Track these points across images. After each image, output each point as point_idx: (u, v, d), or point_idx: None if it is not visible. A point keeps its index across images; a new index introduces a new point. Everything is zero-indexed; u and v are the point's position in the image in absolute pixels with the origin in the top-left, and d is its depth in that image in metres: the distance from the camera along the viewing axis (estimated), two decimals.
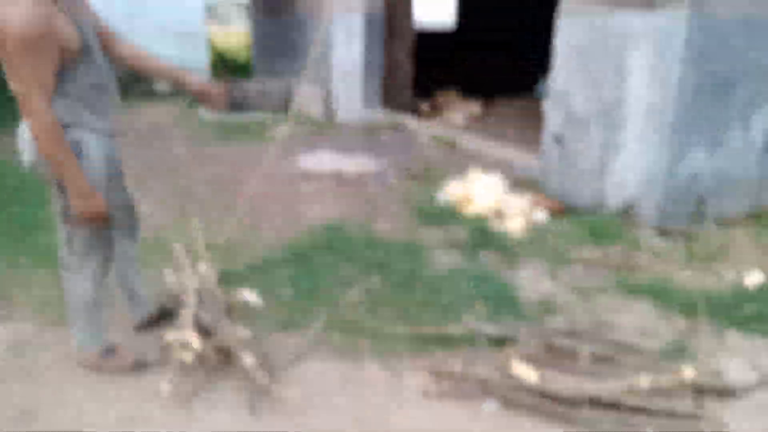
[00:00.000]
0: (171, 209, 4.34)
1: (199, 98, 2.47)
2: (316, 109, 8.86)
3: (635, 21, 3.82)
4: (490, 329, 2.63)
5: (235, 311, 2.74)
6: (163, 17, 10.34)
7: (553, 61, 4.53)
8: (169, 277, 2.98)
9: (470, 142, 5.89)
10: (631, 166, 3.96)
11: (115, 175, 2.32)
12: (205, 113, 8.47)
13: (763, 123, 4.02)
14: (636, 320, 2.87)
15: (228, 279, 3.15)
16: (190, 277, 2.88)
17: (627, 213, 3.99)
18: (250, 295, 2.89)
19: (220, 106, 2.48)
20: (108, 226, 2.24)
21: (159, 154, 6.13)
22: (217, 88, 2.47)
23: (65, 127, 2.01)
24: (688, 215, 3.93)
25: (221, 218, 3.96)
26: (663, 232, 3.81)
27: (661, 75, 3.68)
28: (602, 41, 4.06)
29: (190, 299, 2.64)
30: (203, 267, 3.04)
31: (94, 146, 2.13)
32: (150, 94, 9.66)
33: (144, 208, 4.32)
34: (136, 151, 6.30)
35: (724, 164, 3.96)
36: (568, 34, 4.37)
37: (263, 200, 4.59)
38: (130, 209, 2.57)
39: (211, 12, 16.37)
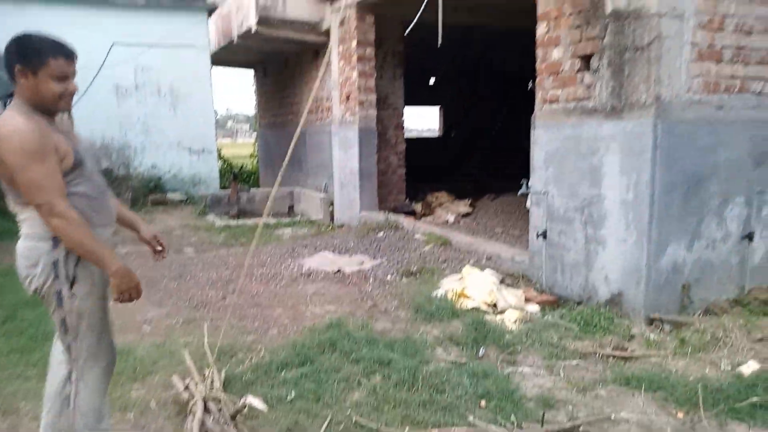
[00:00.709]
0: (179, 313, 4.24)
1: (148, 246, 2.44)
2: (317, 213, 8.97)
3: (605, 128, 3.95)
4: (495, 430, 2.47)
5: (240, 417, 2.58)
6: (177, 134, 10.71)
7: (532, 165, 4.65)
8: (177, 383, 2.85)
9: (462, 239, 5.90)
10: (614, 259, 3.93)
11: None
12: (215, 219, 8.53)
13: (737, 214, 4.05)
14: (637, 413, 2.71)
15: (234, 383, 3.00)
16: (197, 385, 2.75)
17: (615, 303, 3.91)
18: (255, 401, 2.74)
19: (160, 258, 2.46)
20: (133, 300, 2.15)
21: (170, 259, 6.10)
22: (159, 243, 2.43)
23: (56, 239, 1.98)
24: (675, 304, 3.86)
25: (228, 321, 3.85)
26: (652, 322, 3.72)
27: (633, 175, 3.75)
28: (575, 147, 4.19)
29: (197, 407, 2.50)
30: (209, 373, 2.91)
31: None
32: (164, 203, 9.79)
33: (153, 312, 4.23)
34: (149, 256, 6.29)
35: (704, 254, 3.95)
36: (544, 141, 4.52)
37: (268, 300, 4.50)
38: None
39: (220, 125, 17.03)
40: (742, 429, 2.55)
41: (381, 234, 6.52)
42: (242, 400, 2.65)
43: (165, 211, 9.35)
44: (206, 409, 2.54)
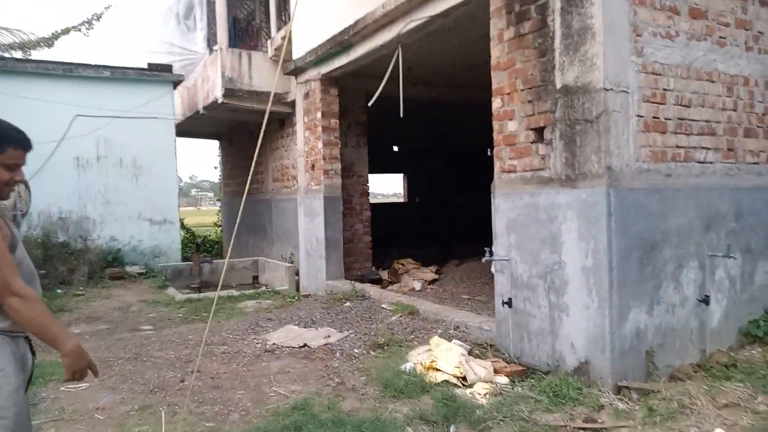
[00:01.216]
0: (135, 398, 4.00)
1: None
2: (282, 283, 8.82)
3: (561, 196, 4.08)
4: None
5: None
6: (139, 205, 10.56)
7: (494, 232, 4.72)
8: None
9: (429, 307, 5.87)
10: (578, 326, 3.95)
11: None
12: (175, 292, 8.28)
13: (692, 278, 4.17)
14: None
15: None
16: None
17: (583, 372, 3.89)
18: None
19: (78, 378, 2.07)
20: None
21: (126, 338, 5.83)
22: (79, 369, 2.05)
23: None
24: (641, 370, 3.87)
25: (186, 407, 3.65)
26: (620, 390, 3.70)
27: (591, 242, 3.85)
28: (534, 215, 4.30)
29: None
30: None
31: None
32: (122, 277, 9.47)
33: (106, 398, 3.99)
34: (104, 335, 6.00)
35: (665, 319, 4.01)
36: (503, 209, 4.62)
37: (230, 382, 4.31)
38: None
39: (184, 193, 16.87)
40: None
41: (348, 304, 6.43)
42: None
43: (123, 285, 9.04)
44: None
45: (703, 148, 4.30)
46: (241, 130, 12.49)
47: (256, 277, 10.21)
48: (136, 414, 3.73)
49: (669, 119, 4.11)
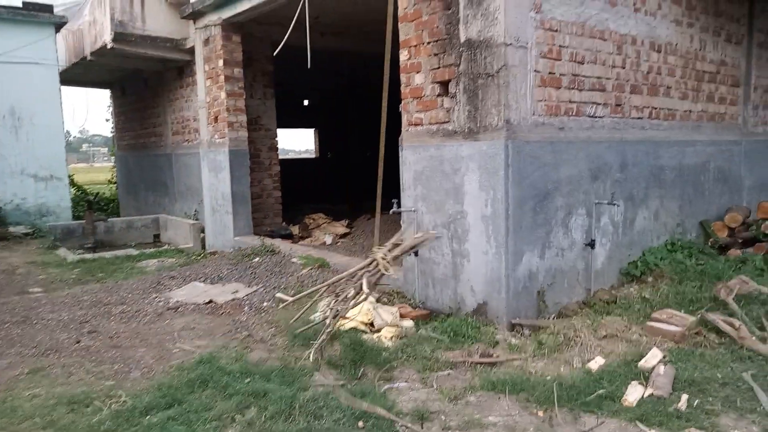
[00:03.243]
0: (24, 362, 3.78)
1: None
2: (186, 240, 8.55)
3: (464, 149, 4.26)
4: None
5: None
6: (21, 160, 9.64)
7: (402, 185, 4.85)
8: None
9: (340, 260, 5.97)
10: (478, 271, 4.22)
11: None
12: (67, 253, 7.78)
13: (580, 224, 4.56)
14: (503, 416, 2.92)
15: None
16: None
17: (481, 312, 4.19)
18: None
19: None
20: None
21: (12, 301, 5.44)
22: None
23: None
24: (533, 309, 4.23)
25: (82, 367, 3.52)
26: (513, 327, 4.03)
27: (490, 192, 4.07)
28: (439, 167, 4.46)
29: None
30: None
31: None
32: (5, 238, 8.71)
33: None
34: None
35: (555, 262, 4.38)
36: (410, 161, 4.74)
37: (130, 341, 4.19)
38: None
39: (73, 149, 15.58)
40: (592, 420, 2.85)
41: (257, 259, 6.38)
42: None
43: (6, 246, 8.33)
44: None
45: (594, 103, 4.63)
46: (135, 78, 11.63)
47: (157, 236, 9.79)
48: (26, 377, 3.54)
49: (564, 75, 4.36)
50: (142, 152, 12.02)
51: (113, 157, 15.25)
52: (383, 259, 3.85)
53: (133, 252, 7.79)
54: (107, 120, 14.73)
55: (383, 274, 3.90)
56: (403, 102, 4.80)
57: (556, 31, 4.26)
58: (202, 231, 8.47)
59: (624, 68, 4.88)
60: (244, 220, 7.72)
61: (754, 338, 3.58)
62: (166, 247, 8.61)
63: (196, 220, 9.27)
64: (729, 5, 6.00)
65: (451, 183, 4.39)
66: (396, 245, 3.97)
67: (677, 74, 5.45)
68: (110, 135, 15.29)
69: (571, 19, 4.36)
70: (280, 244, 6.96)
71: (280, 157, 9.21)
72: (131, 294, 5.43)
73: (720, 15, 5.90)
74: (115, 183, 15.05)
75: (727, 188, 6.29)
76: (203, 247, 8.23)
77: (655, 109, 5.25)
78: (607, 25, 4.66)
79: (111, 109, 14.22)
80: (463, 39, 4.18)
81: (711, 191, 6.04)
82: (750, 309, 4.01)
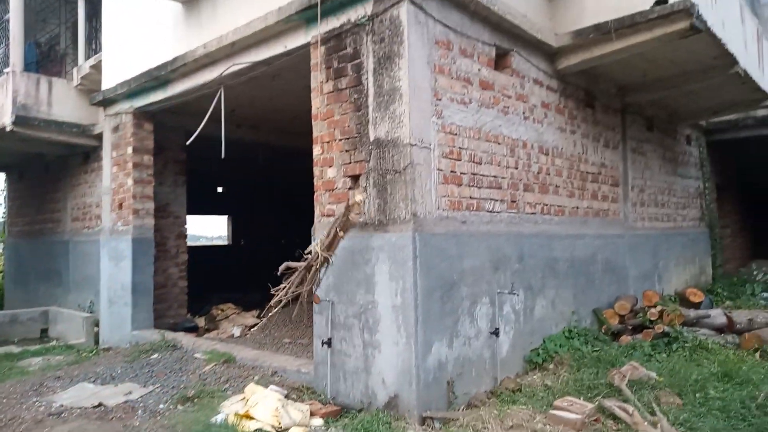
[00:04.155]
0: None
1: None
2: (78, 335, 7.85)
3: (374, 240, 4.37)
4: None
5: None
6: None
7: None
8: None
9: (247, 354, 5.72)
10: (389, 362, 4.21)
11: None
12: None
13: (485, 312, 4.73)
14: None
15: None
16: None
17: (393, 406, 4.13)
18: None
19: None
20: None
21: None
22: None
23: None
24: (443, 400, 4.23)
25: None
26: (424, 421, 4.00)
27: (400, 282, 4.17)
28: (351, 257, 4.53)
29: None
30: None
31: None
32: None
33: None
34: None
35: (462, 351, 4.47)
36: None
37: None
38: None
39: None
40: None
41: (155, 356, 5.96)
42: None
43: None
44: None
45: (492, 199, 4.99)
46: (36, 162, 11.06)
47: (45, 330, 8.91)
48: None
49: (464, 173, 4.71)
50: (37, 239, 11.19)
51: (1, 244, 14.03)
52: (321, 250, 4.19)
53: (15, 349, 7.01)
54: None
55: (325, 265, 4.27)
56: (316, 193, 4.91)
57: (456, 134, 4.64)
58: (97, 325, 7.84)
59: (517, 168, 5.35)
60: (144, 312, 7.25)
61: (646, 423, 3.77)
62: (54, 343, 7.83)
63: (91, 312, 8.59)
64: (605, 116, 6.85)
65: (363, 273, 4.45)
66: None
67: (564, 174, 6.04)
68: (1, 221, 14.12)
69: (469, 125, 4.78)
70: (182, 338, 6.57)
71: (191, 243, 8.94)
72: (7, 399, 4.83)
73: (597, 124, 6.70)
74: (1, 272, 13.74)
75: (615, 278, 6.84)
76: (97, 342, 7.58)
77: (547, 205, 5.73)
78: (500, 131, 5.14)
79: (5, 193, 13.28)
80: (372, 138, 4.43)
81: (601, 280, 6.54)
82: (641, 394, 4.26)
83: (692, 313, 6.29)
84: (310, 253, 4.36)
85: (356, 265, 4.50)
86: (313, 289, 4.67)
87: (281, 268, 4.43)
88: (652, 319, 6.10)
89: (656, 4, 4.99)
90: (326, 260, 4.30)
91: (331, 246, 4.32)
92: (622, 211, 7.20)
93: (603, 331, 6.07)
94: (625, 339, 5.90)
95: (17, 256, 12.11)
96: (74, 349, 7.16)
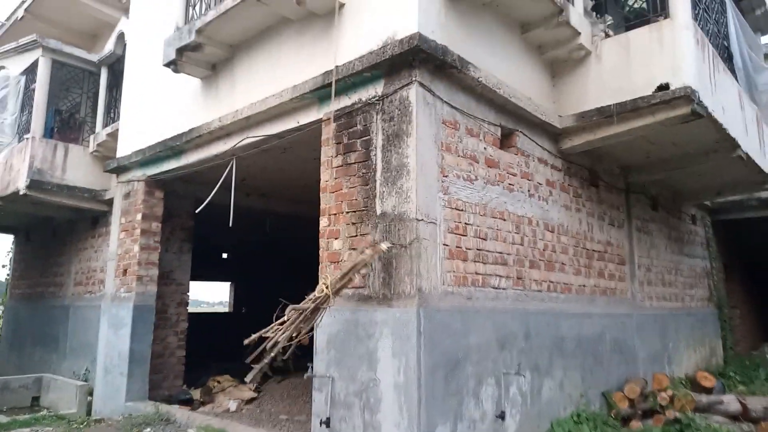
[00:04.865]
0: None
1: None
2: (70, 405, 7.62)
3: (378, 314, 4.33)
4: None
5: None
6: None
7: (315, 348, 4.76)
8: None
9: (241, 431, 5.52)
10: None
11: None
12: None
13: (490, 394, 4.59)
14: None
15: None
16: None
17: None
18: None
19: None
20: None
21: None
22: None
23: None
24: None
25: None
26: None
27: (403, 359, 4.08)
28: (353, 331, 4.47)
29: None
30: None
31: None
32: None
33: None
34: None
35: None
36: (325, 324, 4.71)
37: None
38: None
39: None
40: None
41: (148, 430, 5.75)
42: None
43: None
44: None
45: (498, 275, 4.98)
46: (44, 225, 11.20)
47: (37, 399, 8.66)
48: None
49: (469, 249, 4.72)
50: (38, 302, 11.13)
51: (1, 307, 13.92)
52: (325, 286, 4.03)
53: (3, 419, 6.79)
54: (3, 266, 13.68)
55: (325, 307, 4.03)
56: (321, 265, 4.92)
57: (462, 210, 4.70)
58: (90, 394, 7.63)
59: (523, 245, 5.36)
60: (139, 382, 7.06)
61: None
62: (44, 412, 7.59)
63: (86, 381, 8.39)
64: (609, 195, 6.95)
65: (365, 348, 4.37)
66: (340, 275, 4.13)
67: (570, 252, 6.05)
68: (4, 281, 14.10)
69: (475, 201, 4.85)
70: (177, 411, 6.37)
71: (191, 309, 8.82)
72: None
73: (602, 203, 6.79)
74: None
75: (624, 358, 6.68)
76: (89, 413, 7.34)
77: (553, 282, 5.70)
78: (506, 207, 5.20)
79: (11, 254, 13.35)
80: (379, 212, 4.49)
81: (609, 361, 6.38)
82: None
83: (704, 398, 6.09)
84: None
85: (359, 339, 4.42)
86: (309, 369, 4.59)
87: (287, 310, 4.22)
88: (663, 404, 5.90)
89: (658, 89, 5.19)
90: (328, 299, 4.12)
91: (341, 289, 4.21)
92: (629, 290, 7.14)
93: (612, 415, 5.85)
94: (635, 424, 5.68)
95: (16, 319, 12.00)
96: (65, 420, 6.92)
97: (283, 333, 3.95)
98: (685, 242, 9.07)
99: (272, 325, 4.09)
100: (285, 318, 4.05)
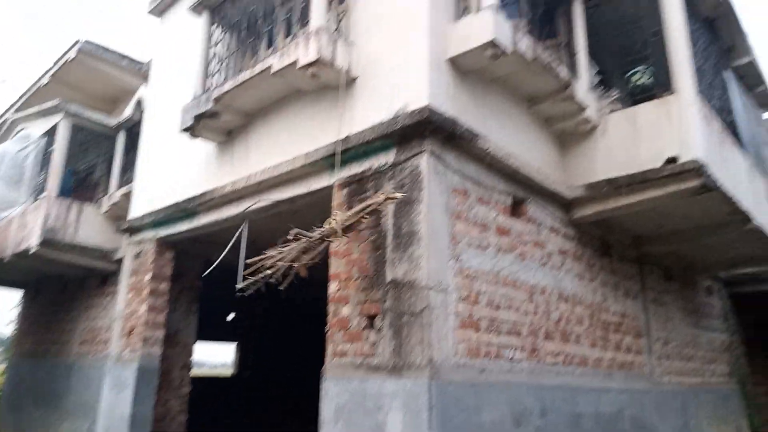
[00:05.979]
0: None
1: None
2: None
3: (387, 385, 4.20)
4: None
5: None
6: None
7: (321, 418, 4.60)
8: None
9: None
10: None
11: None
12: None
13: None
14: None
15: None
16: None
17: None
18: None
19: None
20: None
21: None
22: None
23: None
24: None
25: None
26: None
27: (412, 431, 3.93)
28: (362, 402, 4.32)
29: None
30: None
31: None
32: None
33: None
34: None
35: None
36: (332, 394, 4.58)
37: None
38: None
39: None
40: None
41: None
42: None
43: None
44: None
45: (511, 347, 4.85)
46: (54, 282, 11.21)
47: None
48: None
49: (482, 318, 4.63)
50: (41, 360, 10.97)
51: (3, 363, 13.73)
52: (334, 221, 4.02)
53: None
54: (8, 323, 13.60)
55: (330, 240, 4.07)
56: (329, 331, 4.84)
57: (474, 278, 4.65)
58: None
59: (536, 314, 5.26)
60: None
61: None
62: None
63: None
64: (621, 265, 6.87)
65: (374, 421, 4.20)
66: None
67: (585, 323, 5.91)
68: (9, 338, 13.98)
69: (487, 269, 4.81)
70: None
71: (193, 370, 8.62)
72: None
73: (615, 273, 6.70)
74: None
75: None
76: None
77: (569, 355, 5.54)
78: (518, 276, 5.14)
79: (19, 310, 13.31)
80: (389, 278, 4.46)
81: None
82: None
83: None
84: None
85: (367, 411, 4.27)
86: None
87: (292, 232, 4.22)
88: None
89: (667, 162, 5.24)
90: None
91: (349, 228, 4.17)
92: (647, 364, 6.91)
93: None
94: None
95: (18, 378, 11.79)
96: None
97: (286, 256, 4.02)
98: (701, 314, 8.86)
99: (276, 248, 4.17)
100: (290, 237, 4.13)
